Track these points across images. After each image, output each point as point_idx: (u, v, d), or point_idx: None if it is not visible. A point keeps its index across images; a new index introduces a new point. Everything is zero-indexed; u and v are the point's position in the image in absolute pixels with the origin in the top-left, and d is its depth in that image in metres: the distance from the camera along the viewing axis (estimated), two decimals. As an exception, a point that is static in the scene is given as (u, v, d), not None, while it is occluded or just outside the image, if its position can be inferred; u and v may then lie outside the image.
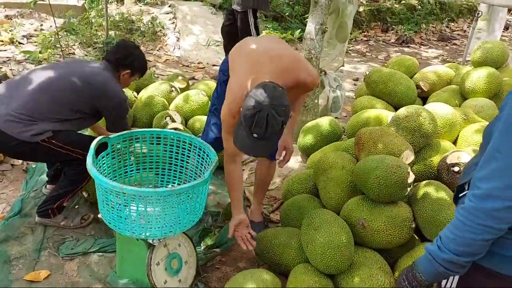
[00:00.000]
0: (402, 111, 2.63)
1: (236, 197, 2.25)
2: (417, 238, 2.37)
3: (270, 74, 1.90)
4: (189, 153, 2.31)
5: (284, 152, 2.47)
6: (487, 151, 1.12)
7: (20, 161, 3.17)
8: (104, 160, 2.15)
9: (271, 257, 2.34)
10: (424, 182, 2.35)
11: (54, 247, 2.44)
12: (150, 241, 2.05)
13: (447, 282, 1.32)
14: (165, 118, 3.29)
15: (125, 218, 1.92)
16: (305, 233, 2.21)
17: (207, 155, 2.20)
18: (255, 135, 1.73)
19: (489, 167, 1.11)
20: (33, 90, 2.29)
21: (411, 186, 2.21)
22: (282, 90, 1.76)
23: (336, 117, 3.98)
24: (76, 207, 2.76)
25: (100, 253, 2.43)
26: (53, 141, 2.30)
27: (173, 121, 3.28)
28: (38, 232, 2.52)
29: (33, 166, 3.13)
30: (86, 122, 2.51)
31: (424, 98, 3.63)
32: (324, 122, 3.26)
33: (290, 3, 7.79)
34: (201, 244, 2.56)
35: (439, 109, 2.75)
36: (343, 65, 4.13)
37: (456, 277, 1.29)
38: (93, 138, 2.18)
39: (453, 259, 1.17)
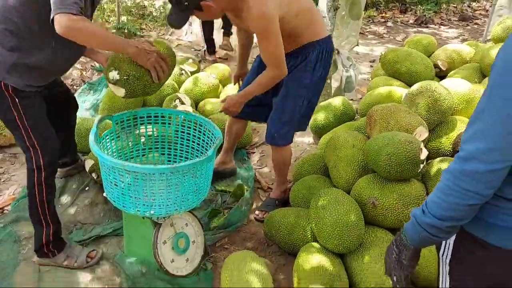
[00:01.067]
0: (416, 87, 2.53)
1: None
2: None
3: None
4: (194, 132, 2.27)
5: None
6: (474, 111, 1.04)
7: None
8: (108, 139, 2.13)
9: (280, 237, 2.30)
10: (438, 159, 2.27)
11: (65, 230, 2.44)
12: (156, 220, 2.03)
13: (444, 250, 1.25)
14: (175, 101, 3.25)
15: (129, 196, 1.90)
16: (313, 212, 2.15)
17: (212, 133, 2.15)
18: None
19: (474, 127, 1.03)
20: None
21: (424, 163, 2.12)
22: None
23: (351, 99, 3.89)
24: (87, 188, 2.76)
25: (109, 234, 2.43)
26: (13, 95, 1.89)
27: (182, 103, 3.25)
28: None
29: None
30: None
31: (442, 77, 3.51)
32: (337, 102, 3.18)
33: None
34: (210, 225, 2.53)
35: (455, 85, 2.64)
36: (357, 44, 4.01)
37: (451, 246, 1.22)
38: (53, 132, 2.09)
39: (436, 223, 1.11)
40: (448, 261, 1.24)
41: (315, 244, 2.14)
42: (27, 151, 2.02)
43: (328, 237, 2.04)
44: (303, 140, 3.38)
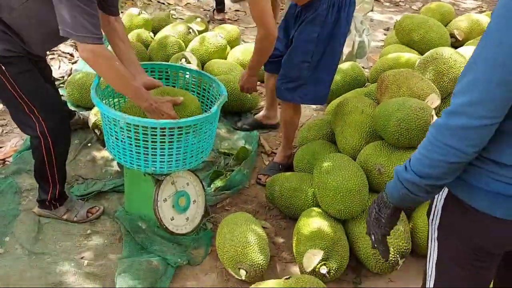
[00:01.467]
0: (431, 52, 2.44)
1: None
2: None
3: None
4: (199, 90, 2.21)
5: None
6: (466, 64, 0.98)
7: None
8: (111, 93, 2.08)
9: (282, 201, 2.27)
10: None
11: (66, 184, 2.42)
12: (157, 177, 2.00)
13: (433, 215, 1.21)
14: (180, 60, 3.17)
15: (130, 151, 1.86)
16: (317, 177, 2.11)
17: (218, 92, 2.09)
18: None
19: (464, 80, 0.96)
20: None
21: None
22: None
23: (362, 67, 3.78)
24: (89, 145, 2.74)
25: (110, 190, 2.41)
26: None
27: (189, 63, 3.16)
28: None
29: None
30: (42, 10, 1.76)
31: (458, 48, 3.38)
32: (347, 67, 3.09)
33: None
34: (211, 186, 2.51)
35: (471, 52, 2.52)
36: (371, 10, 3.87)
37: (439, 212, 1.18)
38: (56, 99, 2.03)
39: (415, 180, 1.05)
40: (436, 226, 1.20)
41: (317, 209, 2.11)
42: (28, 120, 1.91)
43: (331, 202, 2.01)
44: (309, 105, 3.30)
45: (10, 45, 1.79)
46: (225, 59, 3.59)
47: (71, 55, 3.71)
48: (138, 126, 1.75)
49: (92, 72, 3.31)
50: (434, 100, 2.20)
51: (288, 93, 2.41)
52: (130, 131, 1.77)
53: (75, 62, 3.64)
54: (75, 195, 2.33)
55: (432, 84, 2.28)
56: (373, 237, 1.24)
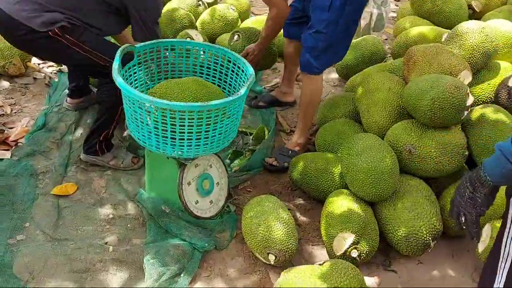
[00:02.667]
0: (460, 27, 2.33)
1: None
2: (466, 167, 2.18)
3: None
4: (221, 68, 2.10)
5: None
6: None
7: (43, 74, 3.03)
8: (131, 72, 1.98)
9: (307, 182, 2.21)
10: (481, 105, 2.13)
11: (82, 163, 2.35)
12: (182, 160, 1.92)
13: None
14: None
15: (156, 135, 1.77)
16: (346, 158, 2.04)
17: (242, 71, 1.99)
18: None
19: None
20: None
21: (469, 110, 1.99)
22: None
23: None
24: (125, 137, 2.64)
25: (129, 171, 2.35)
26: (68, 36, 1.97)
27: (194, 41, 3.00)
28: (64, 147, 2.43)
29: (56, 80, 2.99)
30: (110, 21, 2.12)
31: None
32: (367, 41, 2.98)
33: None
34: (231, 167, 2.44)
35: (501, 26, 2.43)
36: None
37: None
38: (118, 46, 1.98)
39: None
40: None
41: (345, 191, 2.05)
42: (105, 69, 2.00)
43: (361, 185, 1.95)
44: (327, 81, 3.20)
45: (68, 16, 1.96)
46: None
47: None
48: (165, 110, 1.66)
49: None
50: (466, 77, 2.11)
51: (306, 64, 2.34)
52: (157, 115, 1.68)
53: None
54: None
55: (464, 60, 2.19)
56: (463, 218, 1.19)
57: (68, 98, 2.68)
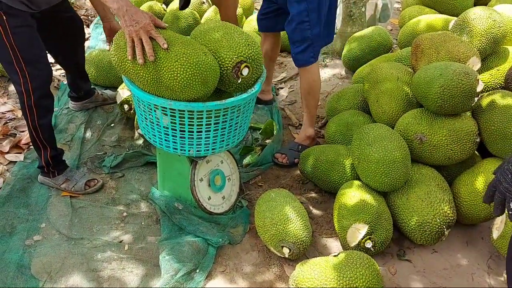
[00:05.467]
0: (468, 13, 2.31)
1: None
2: (477, 154, 2.17)
3: None
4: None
5: None
6: None
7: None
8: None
9: (318, 175, 2.21)
10: (491, 91, 2.10)
11: (92, 164, 2.38)
12: (193, 157, 1.93)
13: None
14: None
15: (173, 136, 1.77)
16: (357, 149, 2.04)
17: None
18: None
19: None
20: None
21: (479, 96, 1.97)
22: None
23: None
24: (112, 125, 2.66)
25: (140, 170, 2.37)
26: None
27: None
28: (75, 148, 2.45)
29: (65, 82, 3.01)
30: None
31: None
32: (373, 32, 2.96)
33: None
34: (242, 162, 2.45)
35: (509, 11, 2.40)
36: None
37: None
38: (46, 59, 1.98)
39: None
40: None
41: (357, 182, 2.05)
42: (14, 74, 1.91)
43: (373, 175, 1.94)
44: (333, 73, 3.20)
45: None
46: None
47: (82, 32, 3.58)
48: (183, 110, 1.66)
49: (106, 48, 3.21)
50: (475, 63, 2.10)
51: (301, 57, 2.33)
52: (174, 116, 1.68)
53: (87, 39, 3.52)
54: (108, 167, 2.34)
55: (472, 47, 2.17)
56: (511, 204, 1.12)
57: (71, 101, 2.71)
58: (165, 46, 1.57)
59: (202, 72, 1.57)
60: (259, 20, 2.57)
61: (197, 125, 1.71)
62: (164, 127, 1.74)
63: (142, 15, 1.60)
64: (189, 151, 1.81)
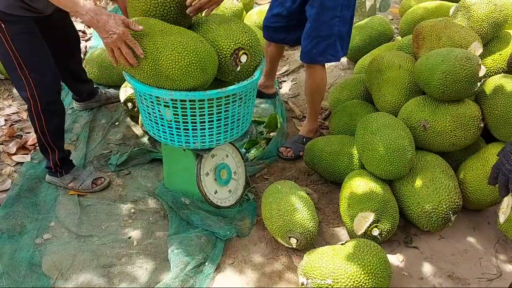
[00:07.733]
0: (468, -2, 2.30)
1: None
2: (482, 139, 2.17)
3: None
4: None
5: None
6: None
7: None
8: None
9: (323, 166, 2.22)
10: (494, 76, 2.10)
11: (98, 162, 2.39)
12: (198, 151, 1.94)
13: None
14: None
15: (177, 129, 1.78)
16: (361, 138, 2.04)
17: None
18: None
19: None
20: None
21: (481, 81, 1.97)
22: None
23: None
24: (117, 123, 2.68)
25: (146, 167, 2.38)
26: None
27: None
28: (80, 148, 2.47)
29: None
30: None
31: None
32: (374, 22, 2.96)
33: None
34: (248, 156, 2.46)
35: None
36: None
37: None
38: (51, 64, 1.97)
39: None
40: None
41: (362, 171, 2.06)
42: (19, 81, 1.91)
43: (378, 163, 1.95)
44: (335, 64, 3.19)
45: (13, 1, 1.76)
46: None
47: (83, 32, 3.60)
48: (185, 100, 1.67)
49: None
50: (477, 48, 2.10)
51: (321, 55, 2.28)
52: (177, 108, 1.69)
53: (89, 39, 3.54)
54: (114, 165, 2.35)
55: (474, 32, 2.17)
56: None
57: (75, 102, 2.73)
58: (142, 56, 1.59)
59: (200, 58, 1.59)
60: (270, 31, 2.50)
61: (200, 115, 1.72)
62: (167, 120, 1.75)
63: (114, 23, 1.56)
64: (194, 143, 1.82)
